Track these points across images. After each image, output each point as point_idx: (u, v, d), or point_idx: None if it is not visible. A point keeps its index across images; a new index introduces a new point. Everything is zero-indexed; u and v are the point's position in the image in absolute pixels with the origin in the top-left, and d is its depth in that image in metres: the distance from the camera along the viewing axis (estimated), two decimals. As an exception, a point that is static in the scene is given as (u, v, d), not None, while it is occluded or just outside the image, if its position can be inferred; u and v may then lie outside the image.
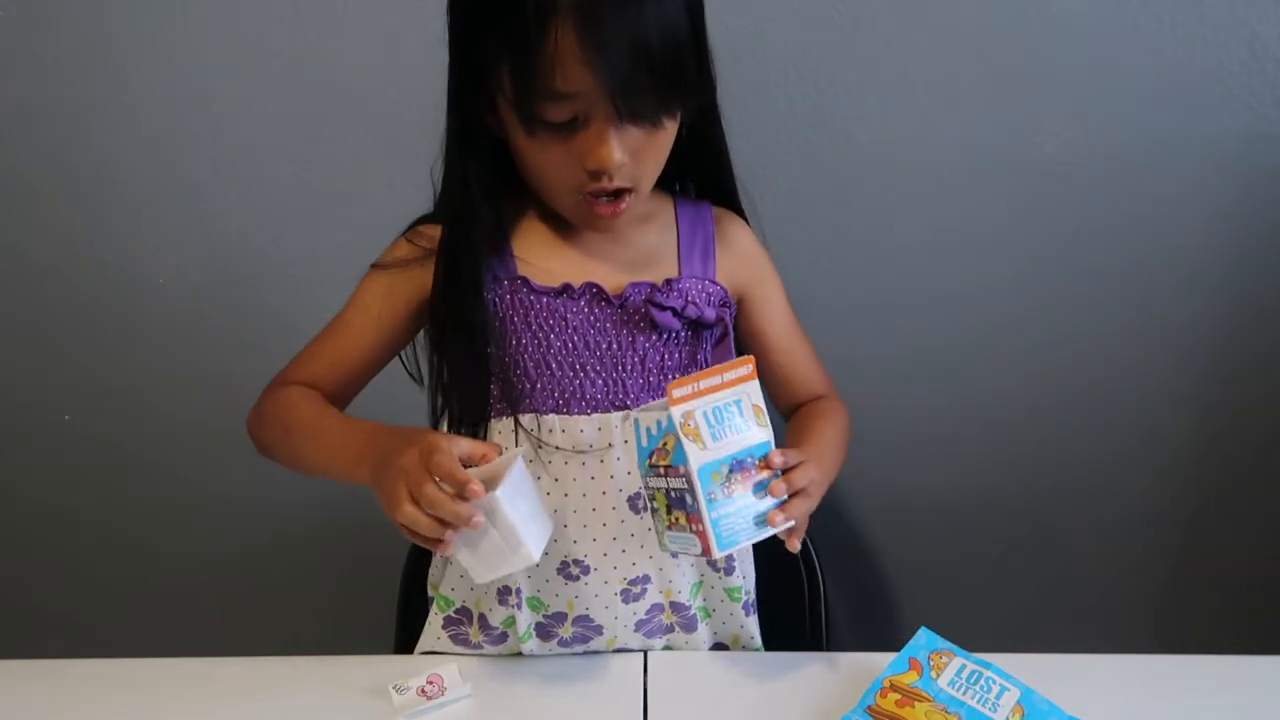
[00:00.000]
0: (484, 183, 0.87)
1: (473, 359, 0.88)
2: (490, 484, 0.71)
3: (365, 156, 1.19)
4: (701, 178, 0.97)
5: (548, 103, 0.77)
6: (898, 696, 0.79)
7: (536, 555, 0.73)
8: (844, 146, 1.17)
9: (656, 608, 0.93)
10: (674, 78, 0.78)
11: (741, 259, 0.96)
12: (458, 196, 0.88)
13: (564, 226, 0.91)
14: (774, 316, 0.98)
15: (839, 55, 1.14)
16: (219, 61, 1.16)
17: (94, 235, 1.23)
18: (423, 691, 0.81)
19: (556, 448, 0.88)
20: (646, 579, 0.92)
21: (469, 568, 0.74)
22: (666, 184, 0.97)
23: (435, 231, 0.90)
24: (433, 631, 0.96)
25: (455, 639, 0.95)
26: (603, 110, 0.77)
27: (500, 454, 0.76)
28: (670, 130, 0.83)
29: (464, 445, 0.74)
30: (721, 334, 0.92)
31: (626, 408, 0.88)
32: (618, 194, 0.83)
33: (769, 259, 0.99)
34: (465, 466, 0.72)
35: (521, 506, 0.73)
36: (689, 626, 0.95)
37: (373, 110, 1.17)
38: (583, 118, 0.78)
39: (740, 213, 0.98)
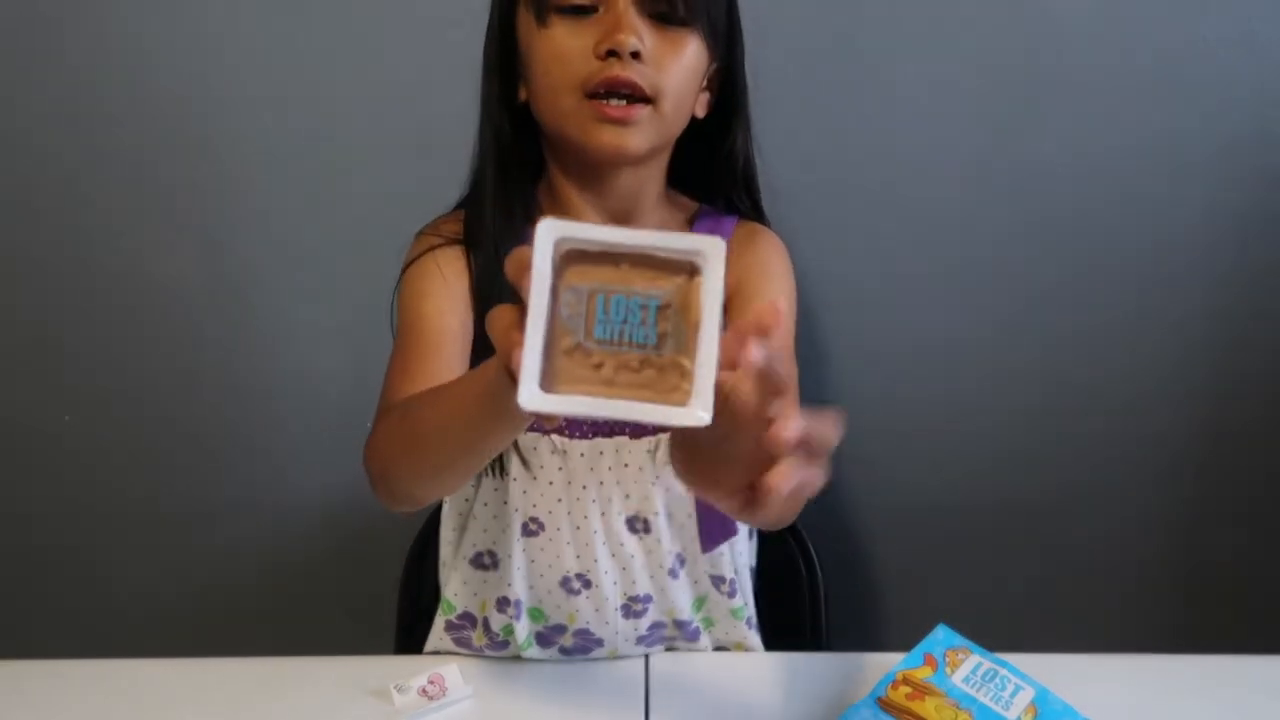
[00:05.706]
0: (514, 157, 0.84)
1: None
2: None
3: (368, 157, 1.18)
4: (721, 170, 0.91)
5: None
6: (909, 690, 0.78)
7: None
8: (844, 146, 1.17)
9: (659, 625, 0.92)
10: None
11: (753, 267, 0.88)
12: (490, 175, 0.85)
13: None
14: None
15: (839, 55, 1.14)
16: (220, 61, 1.15)
17: (94, 235, 1.23)
18: (424, 692, 0.81)
19: (559, 468, 0.86)
20: (648, 598, 0.90)
21: None
22: (693, 194, 0.94)
23: (449, 228, 0.88)
24: (436, 633, 0.96)
25: (458, 642, 0.95)
26: None
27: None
28: (693, 52, 0.78)
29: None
30: None
31: (623, 434, 0.86)
32: (630, 101, 0.75)
33: (792, 282, 0.92)
34: None
35: None
36: (691, 637, 0.94)
37: (376, 111, 1.17)
38: (602, 6, 0.75)
39: (762, 218, 0.93)
